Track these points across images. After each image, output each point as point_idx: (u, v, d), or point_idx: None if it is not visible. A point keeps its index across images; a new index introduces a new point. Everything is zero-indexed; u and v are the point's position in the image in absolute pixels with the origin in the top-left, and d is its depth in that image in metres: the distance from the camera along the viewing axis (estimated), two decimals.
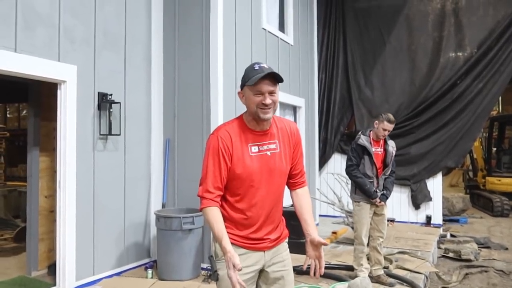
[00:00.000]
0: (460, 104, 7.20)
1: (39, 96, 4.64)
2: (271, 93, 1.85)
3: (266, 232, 1.96)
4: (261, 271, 2.00)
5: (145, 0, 4.82)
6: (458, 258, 5.93)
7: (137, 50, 4.72)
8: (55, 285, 3.92)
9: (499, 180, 10.44)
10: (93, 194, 4.17)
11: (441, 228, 7.31)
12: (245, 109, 1.96)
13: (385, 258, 4.56)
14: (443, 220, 7.72)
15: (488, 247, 6.71)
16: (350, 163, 4.19)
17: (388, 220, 4.76)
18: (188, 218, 4.22)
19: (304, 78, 7.09)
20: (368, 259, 4.32)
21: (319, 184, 7.62)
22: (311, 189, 6.66)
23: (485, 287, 4.99)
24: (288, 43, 6.48)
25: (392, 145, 4.25)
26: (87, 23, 4.11)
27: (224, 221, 1.88)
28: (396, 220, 7.39)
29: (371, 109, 7.85)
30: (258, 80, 1.80)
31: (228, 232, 1.84)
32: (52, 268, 4.32)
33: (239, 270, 1.70)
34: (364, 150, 4.12)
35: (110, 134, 4.27)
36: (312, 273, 1.95)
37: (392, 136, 4.28)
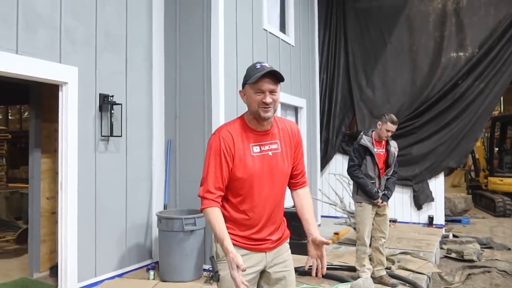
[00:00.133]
0: (461, 104, 7.17)
1: (40, 97, 4.65)
2: (272, 91, 1.85)
3: (268, 233, 1.96)
4: (263, 272, 1.99)
5: (146, 1, 4.82)
6: (460, 258, 5.91)
7: (138, 51, 4.72)
8: (57, 286, 3.92)
9: (501, 180, 10.42)
10: (95, 196, 4.16)
11: (443, 229, 7.29)
12: (247, 109, 1.95)
13: (387, 259, 4.54)
14: (445, 221, 7.69)
15: (490, 248, 6.69)
16: (352, 163, 4.18)
17: (390, 221, 4.75)
18: (190, 219, 4.21)
19: (305, 79, 7.08)
20: (370, 259, 4.31)
21: (320, 185, 7.60)
22: (312, 190, 6.64)
23: None
24: (289, 44, 6.47)
25: (394, 145, 4.24)
26: (88, 24, 4.12)
27: (226, 221, 1.88)
28: (398, 220, 7.37)
29: (373, 110, 7.83)
30: (259, 78, 1.81)
31: (229, 233, 1.84)
32: (54, 270, 4.32)
33: (243, 270, 1.69)
34: (366, 151, 4.11)
35: (111, 135, 4.28)
36: (314, 273, 1.94)
37: (394, 136, 4.27)
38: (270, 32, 5.81)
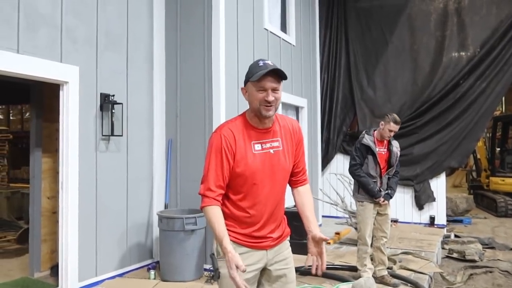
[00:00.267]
0: (463, 104, 7.16)
1: (41, 97, 4.65)
2: (274, 90, 1.84)
3: (269, 231, 1.95)
4: (263, 270, 1.99)
5: (147, 0, 4.82)
6: (462, 258, 5.89)
7: (139, 50, 4.72)
8: (57, 286, 3.92)
9: (503, 180, 10.39)
10: (96, 195, 4.16)
11: (445, 229, 7.28)
12: (248, 108, 1.94)
13: (389, 259, 4.53)
14: (447, 221, 7.68)
15: (492, 248, 6.67)
16: (353, 162, 4.17)
17: (391, 221, 4.73)
18: (191, 219, 4.21)
19: (306, 79, 7.08)
20: (371, 259, 4.30)
21: (321, 184, 7.59)
22: (313, 189, 6.63)
23: None
24: (290, 44, 6.47)
25: (396, 145, 4.23)
26: (89, 24, 4.11)
27: (227, 219, 1.87)
28: (399, 220, 7.36)
29: (374, 109, 7.82)
30: (261, 76, 1.80)
31: (230, 231, 1.83)
32: (54, 269, 4.32)
33: (243, 271, 1.68)
34: (368, 150, 4.10)
35: (112, 134, 4.27)
36: (313, 270, 1.93)
37: (395, 136, 4.25)
38: (271, 32, 5.81)
